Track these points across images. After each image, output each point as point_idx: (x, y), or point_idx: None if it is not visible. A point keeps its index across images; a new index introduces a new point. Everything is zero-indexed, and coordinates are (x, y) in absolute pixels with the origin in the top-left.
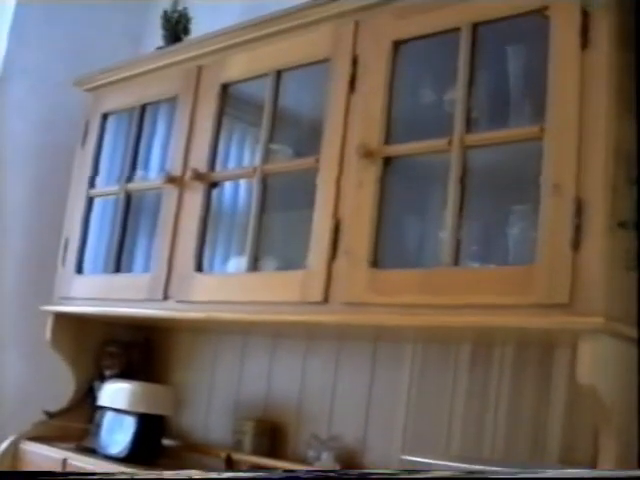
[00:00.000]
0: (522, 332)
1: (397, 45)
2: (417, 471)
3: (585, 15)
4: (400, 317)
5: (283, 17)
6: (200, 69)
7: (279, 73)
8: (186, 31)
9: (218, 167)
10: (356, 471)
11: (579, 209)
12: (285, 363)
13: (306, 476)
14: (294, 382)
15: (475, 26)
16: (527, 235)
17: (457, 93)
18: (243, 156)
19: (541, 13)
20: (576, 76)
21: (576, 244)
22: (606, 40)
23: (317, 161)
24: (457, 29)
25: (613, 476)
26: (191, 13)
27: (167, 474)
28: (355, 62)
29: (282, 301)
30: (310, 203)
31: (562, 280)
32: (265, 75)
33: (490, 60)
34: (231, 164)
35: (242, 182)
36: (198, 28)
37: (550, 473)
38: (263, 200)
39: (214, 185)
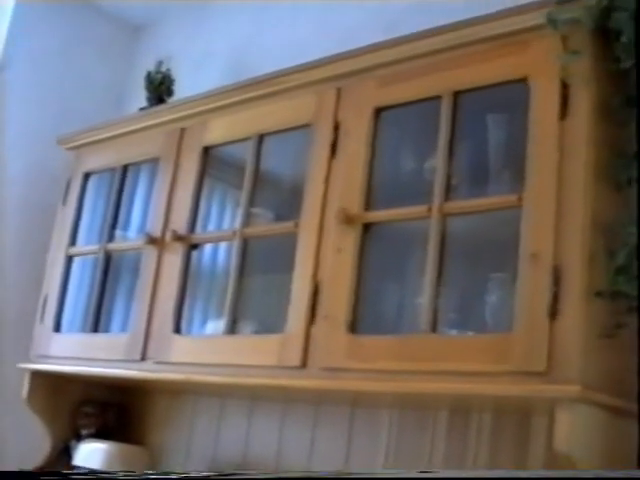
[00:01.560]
0: (499, 400)
1: (378, 112)
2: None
3: (565, 86)
4: (378, 383)
5: (265, 82)
6: (182, 131)
7: (261, 137)
8: (169, 92)
9: (198, 229)
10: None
11: (557, 278)
12: (262, 426)
13: None
14: (271, 445)
15: (456, 94)
16: (505, 303)
17: (437, 161)
18: (224, 217)
19: (522, 83)
20: (555, 146)
21: (553, 313)
22: (585, 111)
23: (297, 225)
24: (438, 97)
25: (613, 476)
26: (175, 75)
27: (173, 474)
28: (337, 128)
29: (260, 365)
30: (290, 267)
31: (539, 348)
32: (247, 139)
33: (470, 128)
34: (212, 224)
35: (222, 244)
36: (181, 89)
37: (550, 473)
38: (242, 263)
39: (194, 247)
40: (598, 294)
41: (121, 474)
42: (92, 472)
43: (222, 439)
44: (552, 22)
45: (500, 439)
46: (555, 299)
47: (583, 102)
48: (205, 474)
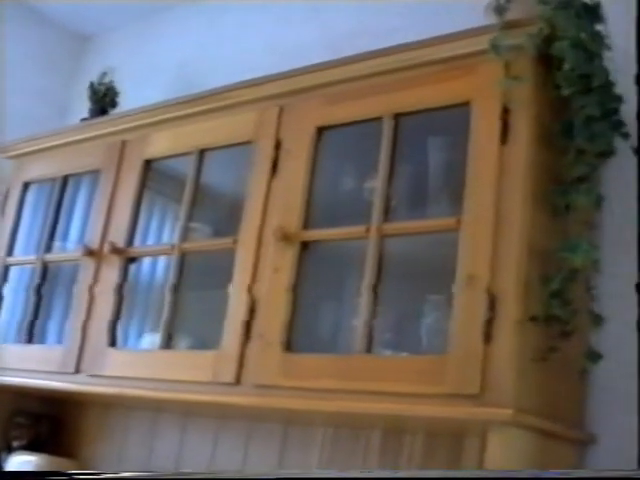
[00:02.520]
0: (432, 421)
1: (320, 131)
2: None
3: (506, 112)
4: (311, 402)
5: (208, 97)
6: (124, 144)
7: (202, 152)
8: (113, 104)
9: (137, 242)
10: None
11: (492, 302)
12: (195, 442)
13: None
14: (203, 461)
15: (397, 116)
16: (441, 325)
17: (377, 181)
18: (163, 231)
19: (464, 107)
20: (494, 171)
21: (488, 337)
22: (525, 137)
23: (235, 242)
24: (380, 118)
25: (613, 476)
26: (120, 86)
27: (167, 474)
28: (278, 146)
29: (194, 380)
30: (227, 283)
31: (473, 371)
32: (188, 153)
33: (411, 150)
34: (151, 238)
35: (161, 258)
36: (126, 102)
37: (550, 473)
38: (180, 278)
39: (132, 260)
40: (532, 318)
41: (126, 474)
42: (96, 472)
43: (154, 454)
44: (495, 48)
45: (432, 460)
46: (490, 323)
47: (523, 128)
48: (205, 474)
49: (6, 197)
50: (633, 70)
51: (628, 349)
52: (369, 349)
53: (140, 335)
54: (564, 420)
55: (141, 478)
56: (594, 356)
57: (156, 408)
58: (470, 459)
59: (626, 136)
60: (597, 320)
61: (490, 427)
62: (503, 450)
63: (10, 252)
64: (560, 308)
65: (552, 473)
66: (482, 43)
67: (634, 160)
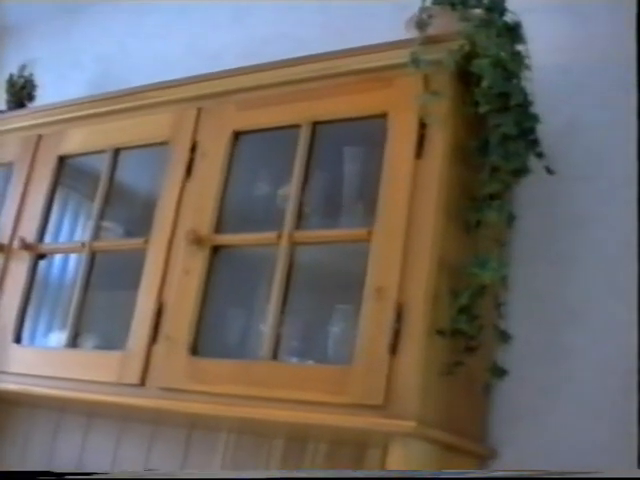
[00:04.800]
0: (336, 430)
1: (237, 135)
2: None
3: (422, 126)
4: (216, 407)
5: (126, 96)
6: (40, 138)
7: (117, 151)
8: (30, 98)
9: (49, 239)
10: None
11: (400, 314)
12: (98, 443)
13: None
14: (105, 463)
15: (315, 124)
16: (347, 335)
17: (291, 188)
18: (76, 229)
19: (381, 118)
20: (408, 184)
21: (394, 348)
22: (440, 152)
23: (146, 242)
24: (297, 126)
25: (614, 476)
26: (39, 80)
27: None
28: (194, 148)
29: (99, 381)
30: (137, 284)
31: (377, 382)
32: (103, 151)
33: (327, 159)
34: (64, 235)
35: (72, 256)
36: (45, 96)
37: (550, 474)
38: (89, 277)
39: (42, 256)
40: (439, 332)
41: (118, 474)
42: (88, 473)
43: (56, 454)
44: (415, 62)
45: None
46: (396, 335)
47: (439, 143)
48: (203, 474)
49: None
50: (551, 90)
51: (532, 366)
52: (275, 356)
53: (48, 333)
54: (466, 434)
55: (135, 478)
56: (499, 372)
57: (60, 408)
58: (372, 469)
59: (540, 155)
60: (503, 337)
61: (393, 438)
62: (404, 462)
63: None
64: (467, 323)
65: (552, 473)
66: (402, 56)
67: (547, 179)
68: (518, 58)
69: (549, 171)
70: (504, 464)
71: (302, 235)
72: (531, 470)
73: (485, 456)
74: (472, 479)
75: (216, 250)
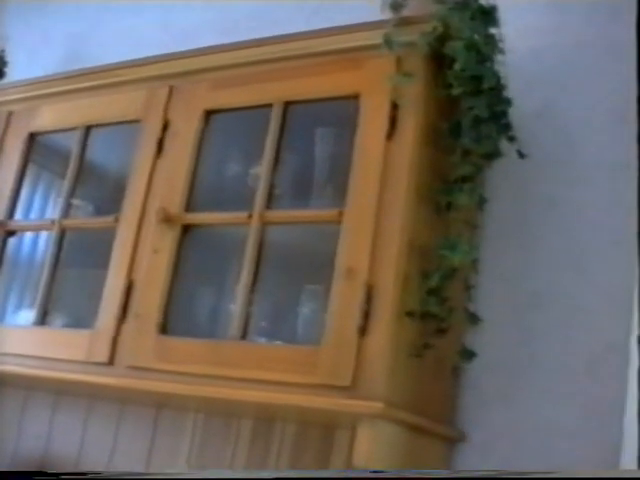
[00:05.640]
0: (304, 411)
1: (209, 114)
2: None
3: (394, 107)
4: (184, 386)
5: (97, 73)
6: (10, 115)
7: (88, 128)
8: (1, 74)
9: (19, 216)
10: None
11: (369, 296)
12: (66, 422)
13: None
14: (73, 441)
15: (287, 104)
16: (317, 316)
17: (262, 168)
18: (47, 207)
19: (353, 100)
20: (379, 165)
21: (363, 329)
22: (411, 134)
23: (116, 221)
24: (269, 105)
25: (613, 476)
26: (11, 57)
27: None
28: (165, 127)
29: (67, 359)
30: (106, 262)
31: (346, 363)
32: (74, 129)
33: (298, 139)
34: (35, 213)
35: (43, 234)
36: (16, 73)
37: (550, 474)
38: (58, 254)
39: (11, 233)
40: (409, 314)
41: (115, 474)
42: (83, 472)
43: (24, 433)
44: (388, 43)
45: (302, 450)
46: (366, 316)
47: (410, 125)
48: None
49: None
50: (524, 73)
51: (501, 348)
52: (244, 336)
53: (17, 311)
54: (435, 416)
55: (135, 478)
56: (468, 354)
57: (28, 386)
58: (340, 451)
59: (512, 139)
60: (473, 319)
61: (361, 420)
62: (372, 443)
63: None
64: (437, 305)
65: (552, 473)
66: (374, 38)
67: (519, 163)
68: (492, 41)
69: (521, 155)
70: (472, 447)
71: (273, 215)
72: (520, 471)
73: (454, 439)
74: (472, 479)
75: (186, 229)
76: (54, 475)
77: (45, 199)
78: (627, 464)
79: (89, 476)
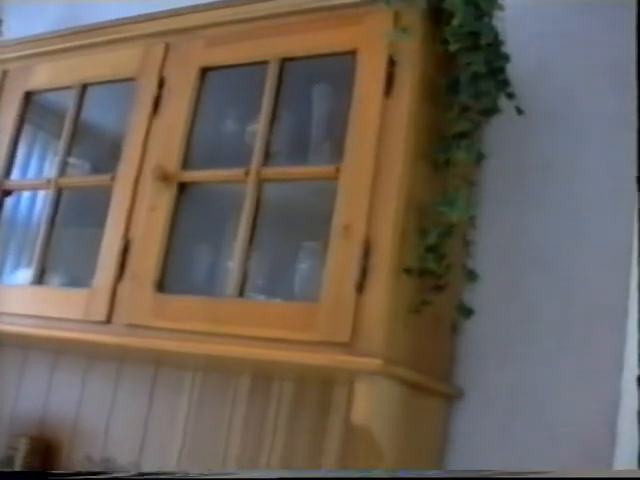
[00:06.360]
0: (302, 368)
1: (205, 72)
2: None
3: (392, 63)
4: (182, 343)
5: (93, 31)
6: (5, 73)
7: (84, 86)
8: None
9: (16, 176)
10: None
11: (367, 252)
12: (64, 381)
13: None
14: (72, 400)
15: (283, 61)
16: (314, 273)
17: (259, 126)
18: (43, 168)
19: (350, 56)
20: (376, 122)
21: (361, 286)
22: (409, 90)
23: (113, 179)
24: (265, 62)
25: (613, 476)
26: (3, 16)
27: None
28: (161, 84)
29: (65, 318)
30: (103, 221)
31: (344, 320)
32: (70, 87)
33: (295, 96)
34: (32, 173)
35: (40, 193)
36: (11, 31)
37: (550, 473)
38: (55, 213)
39: (8, 193)
40: (407, 271)
41: (116, 474)
42: (84, 472)
43: (23, 391)
44: None
45: (300, 407)
46: (363, 272)
47: (408, 81)
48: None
49: None
50: (523, 30)
51: (499, 305)
52: (242, 293)
53: (15, 270)
54: (433, 373)
55: (139, 478)
56: (466, 311)
57: (26, 346)
58: (339, 408)
59: (511, 96)
60: (471, 276)
61: (359, 376)
62: (370, 400)
63: None
64: (435, 262)
65: (552, 473)
66: None
67: (517, 119)
68: None
69: (519, 111)
70: (470, 404)
71: (270, 172)
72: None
73: (451, 395)
74: (471, 479)
75: (183, 187)
76: (54, 475)
77: (42, 160)
78: (624, 420)
79: (93, 477)
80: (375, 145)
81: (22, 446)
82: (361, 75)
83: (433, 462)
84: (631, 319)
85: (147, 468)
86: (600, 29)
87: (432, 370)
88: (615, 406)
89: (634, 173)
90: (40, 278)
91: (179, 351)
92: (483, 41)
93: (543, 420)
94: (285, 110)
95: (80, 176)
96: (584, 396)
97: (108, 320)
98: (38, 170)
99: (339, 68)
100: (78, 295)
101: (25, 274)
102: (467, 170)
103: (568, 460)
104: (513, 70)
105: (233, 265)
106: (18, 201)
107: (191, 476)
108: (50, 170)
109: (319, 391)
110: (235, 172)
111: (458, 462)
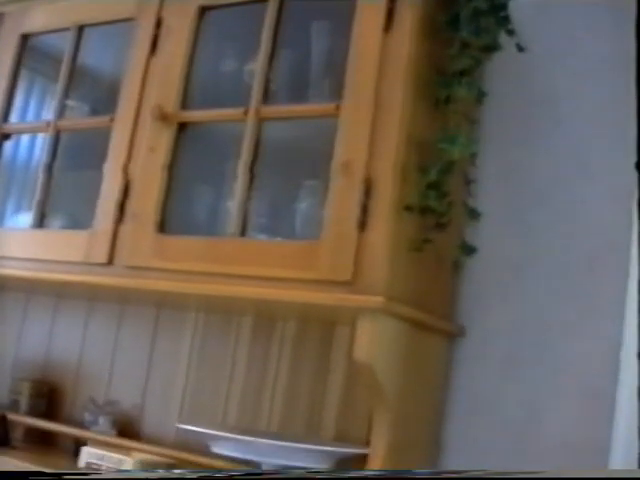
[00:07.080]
0: (304, 307)
1: (203, 10)
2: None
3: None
4: (183, 284)
5: None
6: (2, 16)
7: (81, 28)
8: None
9: (14, 120)
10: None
11: (368, 190)
12: (67, 324)
13: None
14: (74, 344)
15: None
16: (315, 211)
17: (257, 64)
18: (42, 112)
19: None
20: (376, 58)
21: (362, 224)
22: (409, 27)
23: (112, 120)
24: (264, 0)
25: (612, 476)
26: None
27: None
28: (159, 24)
29: (66, 260)
30: (103, 163)
31: (346, 258)
32: (67, 29)
33: (294, 34)
34: (30, 117)
35: (40, 137)
36: None
37: (550, 473)
38: (54, 156)
39: (6, 137)
40: (408, 208)
41: (116, 474)
42: (84, 472)
43: (25, 335)
44: None
45: (303, 347)
46: (365, 210)
47: (408, 17)
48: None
49: None
50: None
51: (501, 243)
52: (243, 233)
53: (16, 214)
54: (435, 311)
55: (136, 478)
56: (468, 249)
57: (28, 289)
58: (341, 346)
59: (511, 33)
60: (473, 214)
61: (361, 314)
62: (372, 337)
63: None
64: (436, 199)
65: (552, 473)
66: None
67: (518, 57)
68: None
69: (520, 48)
70: (472, 342)
71: (269, 110)
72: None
73: (453, 333)
74: (470, 479)
75: (182, 127)
76: (54, 475)
77: (40, 105)
78: (626, 358)
79: (92, 477)
80: (375, 82)
81: (26, 390)
82: (360, 11)
83: (435, 399)
84: (633, 254)
85: (151, 410)
86: None
87: (434, 308)
88: (617, 344)
89: (635, 110)
90: (41, 221)
91: (180, 292)
92: None
93: (544, 358)
94: (284, 48)
95: (79, 118)
96: (586, 335)
97: (109, 262)
98: (36, 115)
99: (338, 4)
100: (79, 237)
101: (26, 218)
102: (468, 108)
103: (569, 397)
104: (514, 6)
105: (234, 205)
106: (17, 145)
107: (191, 476)
108: (49, 114)
109: (321, 330)
110: (234, 111)
111: (460, 399)
